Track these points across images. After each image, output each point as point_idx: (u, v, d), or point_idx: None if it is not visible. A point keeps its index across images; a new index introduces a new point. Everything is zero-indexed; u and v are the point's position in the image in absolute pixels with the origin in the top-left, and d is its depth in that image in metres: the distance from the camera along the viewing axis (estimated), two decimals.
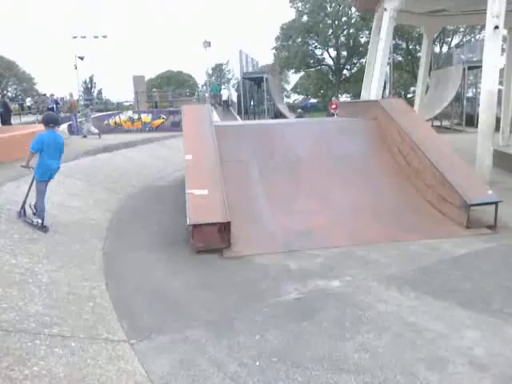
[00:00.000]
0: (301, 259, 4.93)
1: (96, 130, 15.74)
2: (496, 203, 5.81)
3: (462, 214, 5.89)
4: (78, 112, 19.24)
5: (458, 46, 45.26)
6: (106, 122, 20.62)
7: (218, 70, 77.59)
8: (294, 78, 63.64)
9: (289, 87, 71.25)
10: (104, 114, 22.48)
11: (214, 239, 5.25)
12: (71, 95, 20.10)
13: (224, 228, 5.24)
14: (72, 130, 18.41)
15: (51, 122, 5.55)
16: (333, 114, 24.73)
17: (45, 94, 22.16)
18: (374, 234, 5.59)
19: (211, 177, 6.01)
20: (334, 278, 4.35)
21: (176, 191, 8.45)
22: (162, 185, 9.29)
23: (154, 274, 4.59)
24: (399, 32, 38.75)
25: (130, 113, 21.51)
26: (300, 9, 50.84)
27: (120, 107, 27.14)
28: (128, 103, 31.22)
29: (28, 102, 34.14)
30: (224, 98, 27.73)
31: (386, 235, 5.56)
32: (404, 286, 4.11)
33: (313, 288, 4.15)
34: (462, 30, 45.51)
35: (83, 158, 9.83)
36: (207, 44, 27.66)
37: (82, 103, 28.83)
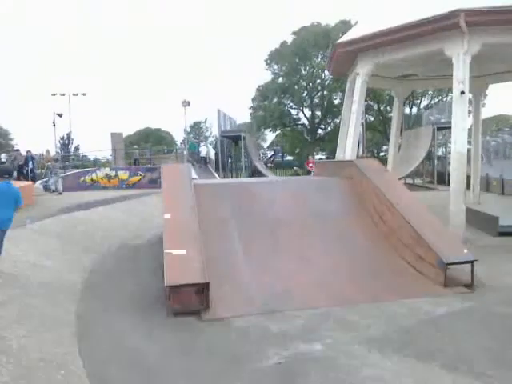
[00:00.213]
0: (281, 321, 4.85)
1: (60, 188, 15.65)
2: (472, 262, 5.91)
3: (439, 272, 5.96)
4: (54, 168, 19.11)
5: (427, 107, 47.53)
6: (82, 178, 20.51)
7: (197, 128, 79.10)
8: (270, 136, 65.25)
9: (266, 145, 72.81)
10: (80, 170, 22.41)
11: (192, 301, 5.15)
12: (48, 152, 20.10)
13: (202, 289, 5.15)
14: (47, 187, 18.22)
15: (5, 173, 5.77)
16: (309, 172, 25.30)
17: (17, 150, 22.03)
18: (353, 294, 5.57)
19: (190, 236, 5.98)
20: (316, 341, 4.27)
21: (153, 250, 8.33)
22: (138, 243, 9.14)
23: (129, 339, 4.43)
24: (371, 94, 40.58)
25: (107, 170, 21.49)
26: (276, 71, 53.04)
27: (97, 164, 27.13)
28: (105, 159, 31.32)
29: (3, 157, 33.83)
30: (202, 154, 28.11)
31: (365, 295, 5.55)
32: (386, 349, 4.06)
33: (294, 352, 4.07)
34: (430, 92, 47.96)
35: (58, 216, 9.69)
36: (186, 103, 28.33)
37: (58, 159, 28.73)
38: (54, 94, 40.68)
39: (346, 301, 5.40)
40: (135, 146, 31.05)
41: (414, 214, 6.87)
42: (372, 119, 51.22)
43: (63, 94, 40.87)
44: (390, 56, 11.14)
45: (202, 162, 26.81)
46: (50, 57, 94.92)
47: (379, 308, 5.15)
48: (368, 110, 45.98)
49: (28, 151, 20.91)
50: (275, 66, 53.39)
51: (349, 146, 12.20)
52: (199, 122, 78.85)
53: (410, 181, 27.77)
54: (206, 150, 28.42)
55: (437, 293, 5.65)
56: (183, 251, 5.60)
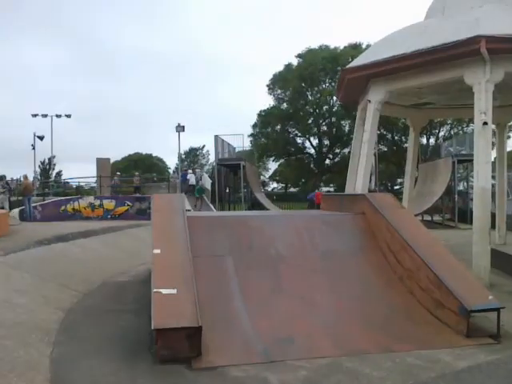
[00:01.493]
0: (282, 372, 4.77)
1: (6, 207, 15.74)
2: (498, 309, 5.85)
3: (461, 321, 5.89)
4: (33, 195, 19.23)
5: (445, 138, 48.08)
6: (63, 207, 20.60)
7: (192, 155, 79.77)
8: (273, 165, 65.76)
9: (268, 175, 73.26)
10: (61, 198, 22.49)
11: (182, 347, 5.07)
12: (26, 177, 20.23)
13: (194, 333, 5.09)
14: (24, 216, 18.27)
15: None
16: (315, 205, 25.34)
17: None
18: (364, 343, 5.50)
19: (181, 274, 5.94)
20: None
21: (139, 288, 8.30)
22: (123, 280, 9.10)
23: None
24: (384, 122, 41.13)
25: (90, 198, 21.57)
26: (280, 96, 53.81)
27: (80, 191, 27.21)
28: (89, 187, 31.43)
29: None
30: (191, 181, 28.23)
31: (378, 344, 5.48)
32: None
33: None
34: (449, 122, 48.64)
35: (35, 248, 9.67)
36: (181, 128, 28.73)
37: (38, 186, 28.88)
38: (35, 115, 41.24)
39: (355, 350, 5.32)
40: (136, 173, 31.12)
41: (433, 255, 6.85)
42: (385, 149, 51.77)
43: (45, 115, 41.42)
44: (405, 83, 11.37)
45: (190, 191, 26.90)
46: (31, 75, 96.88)
47: (393, 359, 5.07)
48: (381, 139, 46.59)
49: (2, 176, 21.02)
50: (278, 91, 54.31)
51: (360, 179, 12.29)
52: (195, 149, 79.71)
53: (427, 218, 27.83)
54: (195, 176, 28.55)
55: (458, 343, 5.57)
56: (174, 290, 5.56)
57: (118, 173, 32.52)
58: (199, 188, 21.17)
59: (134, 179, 29.90)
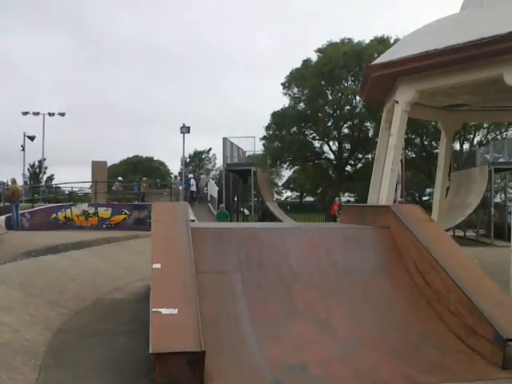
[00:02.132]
0: None
1: None
2: None
3: (496, 350, 5.83)
4: (21, 202, 19.41)
5: (481, 143, 47.82)
6: (53, 215, 20.76)
7: (197, 159, 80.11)
8: (287, 172, 65.82)
9: (281, 182, 73.33)
10: (52, 205, 22.67)
11: (183, 374, 5.06)
12: (14, 181, 20.45)
13: (196, 359, 5.08)
14: (11, 224, 18.43)
15: None
16: (335, 218, 25.31)
17: None
18: (387, 374, 5.45)
19: (184, 292, 5.95)
20: None
21: (136, 307, 8.32)
22: (119, 298, 9.13)
23: None
24: (413, 126, 41.02)
25: (84, 205, 21.72)
26: (296, 95, 53.82)
27: (73, 198, 27.41)
28: (82, 194, 31.67)
29: None
30: (192, 188, 28.38)
31: (403, 376, 5.43)
32: None
33: None
34: (485, 126, 48.40)
35: (22, 261, 9.74)
36: (186, 129, 28.89)
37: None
38: (26, 113, 41.72)
39: (377, 381, 5.29)
40: (144, 179, 31.33)
41: (466, 276, 6.79)
42: (413, 156, 51.59)
43: (37, 113, 41.88)
44: (436, 82, 11.34)
45: (188, 198, 27.09)
46: (21, 70, 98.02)
47: None
48: (409, 144, 46.44)
49: None
50: (295, 90, 54.41)
51: (384, 188, 12.25)
52: (201, 152, 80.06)
53: (459, 233, 27.64)
54: (193, 182, 28.71)
55: (493, 376, 5.50)
56: (175, 311, 5.56)
57: (120, 178, 32.77)
58: (224, 214, 19.06)
59: (141, 185, 30.12)
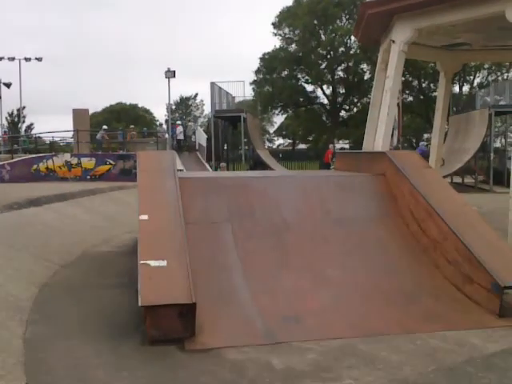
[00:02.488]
0: (287, 354, 4.85)
1: None
2: None
3: (493, 298, 5.95)
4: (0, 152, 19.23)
5: (481, 85, 47.53)
6: (34, 166, 20.63)
7: (184, 106, 79.25)
8: (279, 118, 65.38)
9: (272, 130, 72.94)
10: (33, 156, 22.50)
11: (174, 326, 5.15)
12: None
13: (187, 311, 5.16)
14: None
15: None
16: (328, 166, 25.37)
17: None
18: (382, 323, 5.58)
19: (172, 243, 5.99)
20: (331, 382, 4.28)
21: (124, 260, 8.39)
22: (106, 251, 9.20)
23: (91, 373, 4.44)
24: (410, 67, 40.57)
25: (67, 156, 21.57)
26: (287, 35, 52.82)
27: (54, 148, 27.18)
28: (64, 143, 31.42)
29: None
30: (179, 136, 28.22)
31: (397, 324, 5.56)
32: None
33: None
34: (486, 67, 47.98)
35: (3, 213, 9.73)
36: (171, 74, 28.47)
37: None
38: (0, 59, 40.82)
39: (371, 331, 5.41)
40: (104, 126, 30.96)
41: (463, 224, 6.87)
42: (411, 99, 51.28)
43: (12, 59, 41.03)
44: (435, 20, 11.16)
45: (177, 146, 26.97)
46: None
47: (414, 341, 5.15)
48: (406, 87, 46.03)
49: None
50: (286, 30, 53.36)
51: (380, 134, 12.24)
52: (187, 98, 79.15)
53: (458, 180, 27.81)
54: (183, 130, 28.45)
55: (489, 324, 5.64)
56: (164, 263, 5.61)
57: (105, 126, 32.39)
58: None
59: (128, 134, 29.83)
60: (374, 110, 13.94)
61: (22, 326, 5.40)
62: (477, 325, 5.63)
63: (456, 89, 47.35)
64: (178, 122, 30.92)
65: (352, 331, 5.40)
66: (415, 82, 50.66)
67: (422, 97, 50.65)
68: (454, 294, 6.38)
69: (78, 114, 27.30)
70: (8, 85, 39.76)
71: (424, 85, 50.73)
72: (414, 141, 53.62)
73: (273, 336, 5.27)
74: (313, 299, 6.06)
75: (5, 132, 43.63)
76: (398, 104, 19.46)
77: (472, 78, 50.91)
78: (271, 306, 5.84)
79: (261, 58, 53.76)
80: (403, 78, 34.83)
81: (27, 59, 41.48)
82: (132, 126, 32.05)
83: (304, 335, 5.29)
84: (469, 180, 28.45)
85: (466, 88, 50.67)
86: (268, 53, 53.35)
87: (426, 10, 11.05)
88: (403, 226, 7.72)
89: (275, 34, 53.67)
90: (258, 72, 54.50)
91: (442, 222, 6.99)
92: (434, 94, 42.75)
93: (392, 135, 15.28)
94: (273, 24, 53.54)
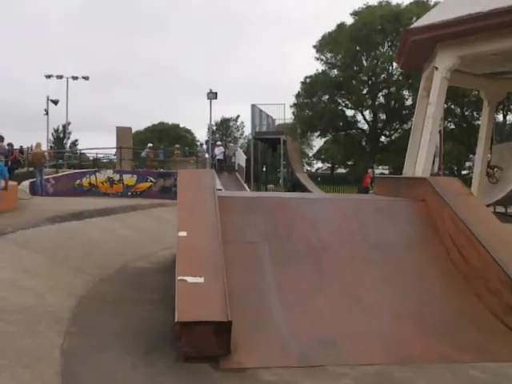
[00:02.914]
0: (322, 378, 4.78)
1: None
2: None
3: None
4: (45, 167, 19.69)
5: None
6: (78, 181, 21.07)
7: (224, 127, 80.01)
8: (318, 142, 65.33)
9: (311, 153, 72.88)
10: (77, 171, 22.99)
11: (209, 343, 5.14)
12: (38, 145, 20.74)
13: (223, 329, 5.14)
14: (35, 189, 18.77)
15: None
16: (367, 190, 25.17)
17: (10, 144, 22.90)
18: (420, 351, 5.45)
19: (210, 261, 6.00)
20: None
21: (162, 276, 8.43)
22: (144, 266, 9.26)
23: None
24: (452, 94, 40.04)
25: (109, 172, 21.97)
26: (329, 60, 52.95)
27: (97, 164, 27.74)
28: (107, 160, 32.04)
29: None
30: (219, 156, 28.45)
31: (436, 353, 5.42)
32: None
33: None
34: None
35: (46, 226, 9.92)
36: (213, 95, 28.78)
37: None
38: (49, 76, 42.08)
39: (408, 359, 5.29)
40: (149, 144, 31.50)
41: (506, 252, 6.68)
42: (453, 127, 50.58)
43: (60, 77, 42.22)
44: (479, 48, 11.06)
45: (216, 165, 27.19)
46: (45, 32, 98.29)
47: (453, 371, 5.01)
48: (448, 114, 45.46)
49: (9, 144, 21.58)
50: (328, 55, 53.57)
51: (421, 160, 12.12)
52: (228, 119, 79.92)
53: (500, 209, 27.15)
54: (225, 151, 28.68)
55: None
56: (201, 279, 5.62)
57: (150, 144, 32.84)
58: None
59: (174, 152, 30.29)
60: (416, 136, 13.84)
61: (61, 336, 5.46)
62: None
63: (500, 117, 46.53)
64: (218, 143, 31.13)
65: (388, 358, 5.29)
66: (458, 110, 50.02)
67: (464, 124, 49.93)
68: (495, 325, 6.19)
69: (122, 132, 27.80)
70: (55, 102, 40.87)
71: (467, 113, 50.04)
72: (456, 168, 52.78)
73: (307, 359, 5.20)
74: (349, 323, 5.96)
75: (51, 147, 44.77)
76: (439, 131, 19.24)
77: None
78: (306, 329, 5.77)
79: (302, 82, 53.99)
80: (445, 105, 34.41)
81: (75, 78, 42.63)
82: (177, 146, 32.55)
83: (339, 359, 5.20)
84: None
85: (510, 117, 49.76)
86: (309, 76, 53.56)
87: (470, 38, 10.99)
88: (443, 253, 7.57)
89: (317, 59, 53.92)
90: (298, 96, 54.74)
91: (483, 250, 6.82)
92: (477, 122, 42.09)
93: (433, 162, 15.06)
94: (314, 47, 53.74)
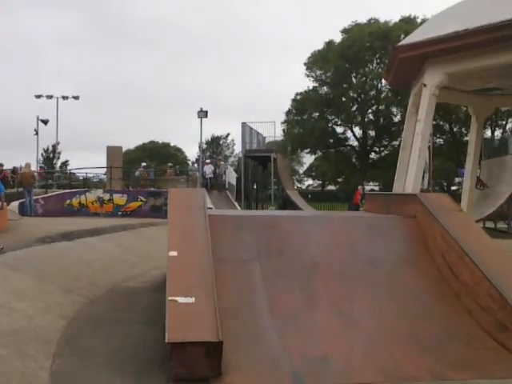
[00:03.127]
0: None
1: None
2: None
3: None
4: (35, 187, 19.60)
5: None
6: (68, 201, 20.97)
7: (215, 145, 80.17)
8: (309, 159, 65.55)
9: (302, 170, 73.06)
10: (66, 191, 22.91)
11: (200, 364, 5.09)
12: (27, 166, 20.67)
13: (214, 349, 5.11)
14: (24, 210, 18.67)
15: None
16: (357, 207, 25.23)
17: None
18: (413, 369, 5.42)
19: (201, 280, 5.97)
20: None
21: (152, 296, 8.38)
22: (134, 286, 9.21)
23: None
24: (441, 111, 40.45)
25: (99, 192, 21.89)
26: (319, 77, 53.35)
27: (87, 184, 27.65)
28: (97, 180, 31.96)
29: None
30: (208, 174, 28.49)
31: (428, 371, 5.39)
32: None
33: None
34: None
35: (35, 247, 9.87)
36: (203, 114, 28.86)
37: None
38: (39, 96, 42.08)
39: (402, 377, 5.26)
40: (143, 163, 31.49)
41: (497, 269, 6.70)
42: (442, 143, 50.95)
43: (50, 97, 42.22)
44: (467, 64, 11.20)
45: (207, 184, 27.21)
46: (32, 48, 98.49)
47: None
48: (437, 130, 45.84)
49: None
50: (318, 72, 53.97)
51: (411, 176, 12.18)
52: (218, 137, 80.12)
53: (490, 225, 27.31)
54: (214, 169, 28.72)
55: None
56: (191, 299, 5.59)
57: (144, 163, 32.72)
58: None
59: (167, 171, 30.26)
60: (405, 152, 13.93)
61: (50, 358, 5.40)
62: (510, 374, 5.43)
63: (488, 133, 46.94)
64: (207, 161, 31.15)
65: (382, 376, 5.26)
66: (446, 126, 50.45)
67: (453, 141, 50.34)
68: (486, 342, 6.18)
69: (112, 152, 27.75)
70: (45, 122, 40.80)
71: (455, 129, 50.49)
72: (445, 184, 53.06)
73: (300, 379, 5.16)
74: (341, 342, 5.93)
75: (40, 167, 44.62)
76: (428, 147, 19.41)
77: (504, 122, 50.49)
78: (299, 348, 5.73)
79: (292, 100, 54.30)
80: (434, 122, 34.69)
81: (64, 97, 42.64)
82: (170, 164, 32.52)
83: (332, 379, 5.17)
84: (502, 225, 27.91)
85: (498, 132, 50.20)
86: (300, 93, 53.88)
87: (458, 55, 11.12)
88: (434, 270, 7.57)
89: (307, 75, 54.31)
90: (288, 113, 55.05)
91: (474, 267, 6.83)
92: (466, 138, 42.39)
93: (423, 178, 15.16)
94: (305, 64, 54.15)
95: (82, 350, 5.83)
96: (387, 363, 5.55)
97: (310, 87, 54.00)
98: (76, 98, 43.21)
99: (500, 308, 6.24)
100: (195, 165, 34.25)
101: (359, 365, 5.50)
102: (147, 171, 30.93)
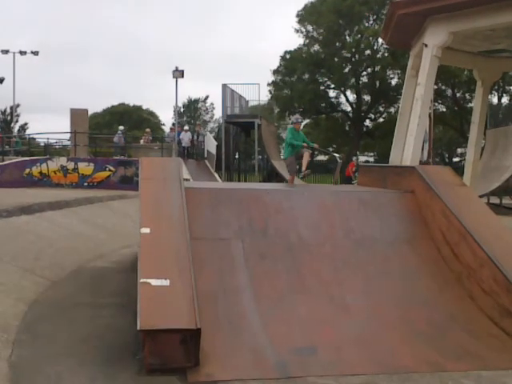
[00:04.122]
0: None
1: None
2: None
3: None
4: None
5: None
6: (27, 170, 20.72)
7: (192, 109, 79.62)
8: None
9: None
10: (26, 159, 22.64)
11: (175, 354, 5.11)
12: None
13: (191, 337, 5.12)
14: None
15: None
16: (350, 180, 25.30)
17: None
18: (408, 359, 5.49)
19: (176, 261, 5.96)
20: None
21: (123, 277, 8.38)
22: (102, 266, 9.20)
23: None
24: (443, 74, 40.40)
25: (62, 160, 21.64)
26: (310, 34, 52.73)
27: (49, 151, 27.35)
28: (61, 146, 31.63)
29: None
30: (184, 142, 28.36)
31: (425, 361, 5.47)
32: None
33: None
34: None
35: None
36: (179, 74, 28.58)
37: None
38: None
39: (395, 367, 5.32)
40: (121, 127, 30.99)
41: (502, 249, 6.77)
42: (444, 110, 51.05)
43: (6, 51, 41.48)
44: (473, 23, 11.14)
45: (184, 153, 27.09)
46: None
47: (445, 381, 5.05)
48: (438, 96, 45.87)
49: None
50: (309, 28, 53.35)
51: (409, 147, 12.21)
52: (196, 101, 79.55)
53: (495, 200, 27.57)
54: (189, 136, 28.55)
55: None
56: (166, 282, 5.58)
57: (122, 127, 32.21)
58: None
59: (144, 138, 29.91)
60: (403, 119, 13.93)
61: (9, 347, 5.38)
62: None
63: (494, 99, 47.12)
64: (186, 128, 30.88)
65: (375, 367, 5.31)
66: (449, 91, 50.47)
67: (455, 107, 50.44)
68: (490, 329, 6.27)
69: (77, 115, 27.43)
70: (1, 80, 40.16)
71: (458, 94, 50.51)
72: (447, 155, 53.43)
73: (285, 369, 5.19)
74: (331, 329, 5.98)
75: None
76: (429, 114, 19.41)
77: None
78: (284, 336, 5.77)
79: (282, 57, 53.60)
80: (435, 86, 34.71)
81: (22, 52, 41.91)
82: (148, 130, 32.04)
83: (320, 370, 5.20)
84: (507, 201, 28.19)
85: (505, 99, 50.40)
86: (289, 51, 53.28)
87: (464, 12, 11.04)
88: (434, 250, 7.64)
89: (297, 31, 53.59)
90: (276, 72, 54.35)
91: (477, 247, 6.90)
92: (470, 104, 42.55)
93: (422, 148, 15.18)
94: (297, 16, 53.12)
95: (44, 337, 5.81)
96: (381, 352, 5.61)
97: (300, 45, 53.47)
98: (35, 53, 42.51)
99: (505, 292, 6.31)
100: (170, 132, 33.83)
101: (350, 354, 5.54)
102: (109, 138, 30.60)
